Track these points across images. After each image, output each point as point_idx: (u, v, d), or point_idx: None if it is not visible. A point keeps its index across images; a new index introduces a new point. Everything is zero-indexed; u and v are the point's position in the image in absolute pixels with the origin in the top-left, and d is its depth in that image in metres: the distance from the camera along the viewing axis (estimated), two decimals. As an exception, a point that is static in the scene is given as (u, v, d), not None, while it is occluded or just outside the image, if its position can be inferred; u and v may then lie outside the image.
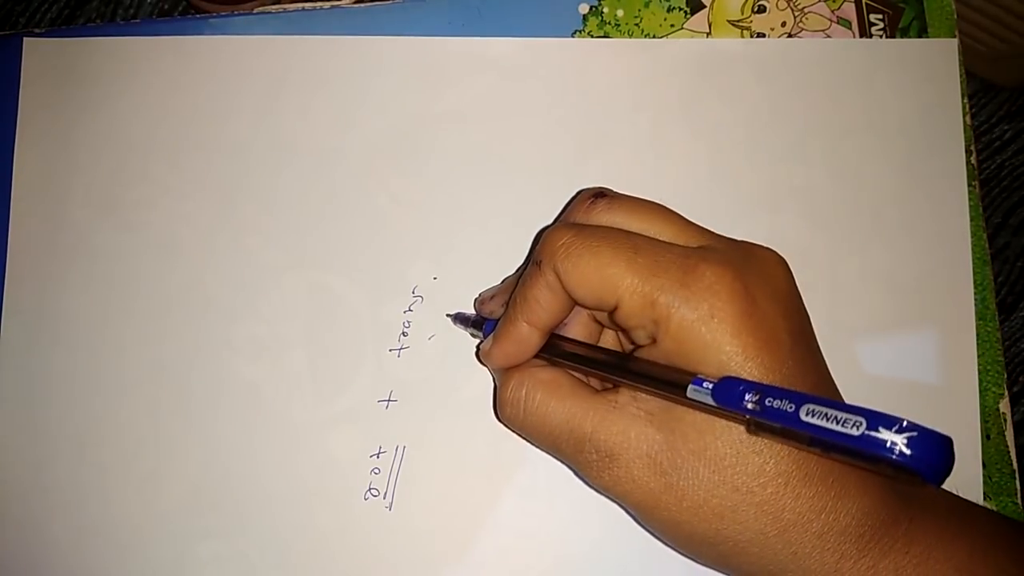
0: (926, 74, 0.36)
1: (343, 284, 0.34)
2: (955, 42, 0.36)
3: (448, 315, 0.34)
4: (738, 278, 0.24)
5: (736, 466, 0.23)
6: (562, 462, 0.29)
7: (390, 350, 0.34)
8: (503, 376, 0.28)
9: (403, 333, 0.34)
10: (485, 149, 0.35)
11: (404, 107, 0.35)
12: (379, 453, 0.33)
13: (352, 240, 0.34)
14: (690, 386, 0.22)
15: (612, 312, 0.25)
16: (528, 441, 0.28)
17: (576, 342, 0.28)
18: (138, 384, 0.34)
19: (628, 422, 0.25)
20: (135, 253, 0.34)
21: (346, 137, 0.35)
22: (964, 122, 0.35)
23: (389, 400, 0.34)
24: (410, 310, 0.34)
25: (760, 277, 0.24)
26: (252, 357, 0.34)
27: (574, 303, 0.27)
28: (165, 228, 0.35)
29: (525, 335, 0.27)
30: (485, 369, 0.34)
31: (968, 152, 0.35)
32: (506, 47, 0.35)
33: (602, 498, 0.33)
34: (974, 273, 0.35)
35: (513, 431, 0.28)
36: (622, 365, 0.25)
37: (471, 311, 0.33)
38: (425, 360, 0.34)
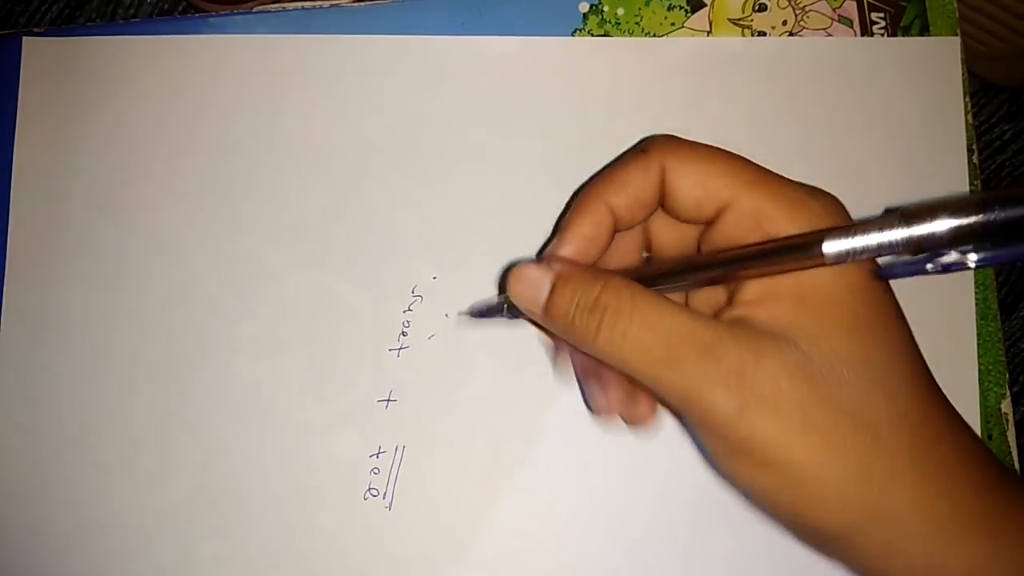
0: (928, 73, 0.36)
1: (343, 284, 0.34)
2: (957, 41, 0.36)
3: (464, 313, 0.33)
4: (843, 211, 0.24)
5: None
6: (661, 398, 0.24)
7: (390, 350, 0.34)
8: (573, 284, 0.23)
9: (403, 333, 0.34)
10: (485, 149, 0.35)
11: (404, 106, 0.35)
12: (379, 453, 0.33)
13: (352, 240, 0.34)
14: (825, 242, 0.21)
15: (709, 221, 0.24)
16: (613, 361, 0.23)
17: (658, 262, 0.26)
18: (138, 384, 0.34)
19: (757, 337, 0.22)
20: (135, 253, 0.34)
21: (346, 136, 0.35)
22: (966, 121, 0.35)
23: (389, 400, 0.33)
24: (410, 310, 0.34)
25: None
26: (252, 357, 0.34)
27: (656, 206, 0.25)
28: (165, 228, 0.35)
29: (601, 221, 0.24)
30: (485, 369, 0.34)
31: (970, 151, 0.35)
32: (506, 46, 0.35)
33: (602, 498, 0.33)
34: (975, 272, 0.35)
35: (593, 351, 0.23)
36: (741, 253, 0.23)
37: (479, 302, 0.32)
38: (425, 360, 0.34)
